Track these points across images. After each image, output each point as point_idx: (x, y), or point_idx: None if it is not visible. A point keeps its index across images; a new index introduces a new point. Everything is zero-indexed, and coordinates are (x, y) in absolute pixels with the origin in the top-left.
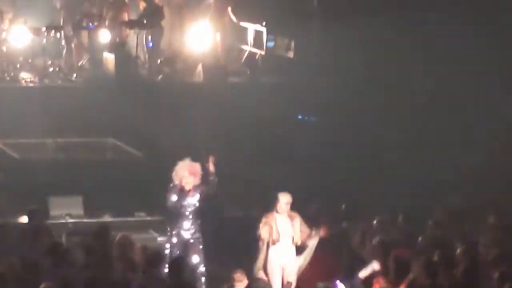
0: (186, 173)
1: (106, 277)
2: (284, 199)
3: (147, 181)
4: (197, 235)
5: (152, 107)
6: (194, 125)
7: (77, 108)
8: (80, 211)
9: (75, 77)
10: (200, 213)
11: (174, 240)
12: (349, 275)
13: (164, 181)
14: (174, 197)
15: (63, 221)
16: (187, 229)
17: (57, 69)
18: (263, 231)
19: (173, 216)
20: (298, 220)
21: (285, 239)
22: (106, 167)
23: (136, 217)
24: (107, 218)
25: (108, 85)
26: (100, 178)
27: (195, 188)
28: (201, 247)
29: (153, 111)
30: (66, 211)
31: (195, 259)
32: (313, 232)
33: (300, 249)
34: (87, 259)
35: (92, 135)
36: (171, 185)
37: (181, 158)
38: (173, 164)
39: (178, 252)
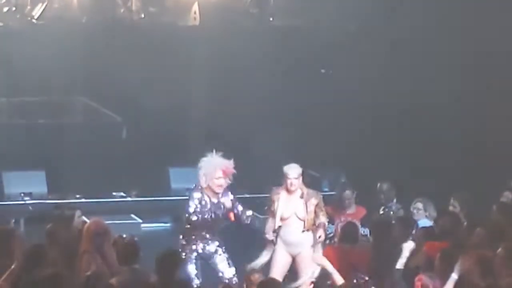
0: (220, 173)
1: (72, 275)
2: (292, 173)
3: (128, 152)
4: (218, 243)
5: (134, 58)
6: (187, 81)
7: (39, 58)
8: (42, 189)
9: (38, 17)
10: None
11: (193, 254)
12: (384, 270)
13: (148, 152)
14: (194, 204)
15: (20, 202)
16: (206, 241)
17: (13, 8)
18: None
19: (189, 225)
20: (314, 201)
21: (294, 223)
22: (75, 133)
23: (113, 198)
24: (76, 199)
25: (78, 28)
26: (68, 148)
27: (225, 190)
28: (226, 257)
29: (135, 63)
30: (25, 190)
31: (221, 269)
32: (319, 220)
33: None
34: (49, 252)
35: (57, 94)
36: (195, 187)
37: (169, 123)
38: (159, 130)
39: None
